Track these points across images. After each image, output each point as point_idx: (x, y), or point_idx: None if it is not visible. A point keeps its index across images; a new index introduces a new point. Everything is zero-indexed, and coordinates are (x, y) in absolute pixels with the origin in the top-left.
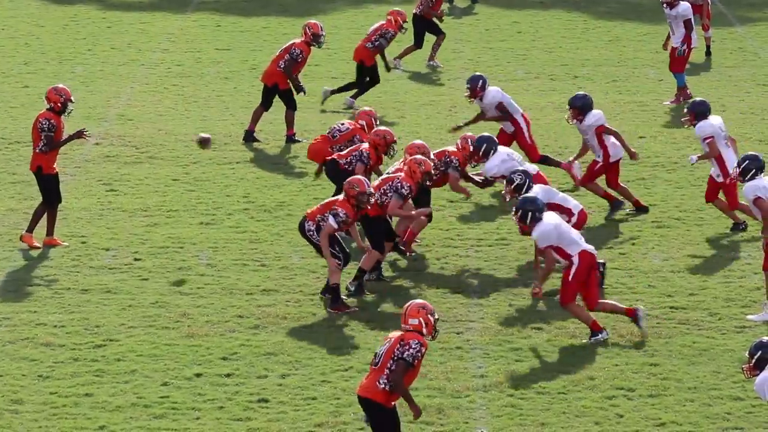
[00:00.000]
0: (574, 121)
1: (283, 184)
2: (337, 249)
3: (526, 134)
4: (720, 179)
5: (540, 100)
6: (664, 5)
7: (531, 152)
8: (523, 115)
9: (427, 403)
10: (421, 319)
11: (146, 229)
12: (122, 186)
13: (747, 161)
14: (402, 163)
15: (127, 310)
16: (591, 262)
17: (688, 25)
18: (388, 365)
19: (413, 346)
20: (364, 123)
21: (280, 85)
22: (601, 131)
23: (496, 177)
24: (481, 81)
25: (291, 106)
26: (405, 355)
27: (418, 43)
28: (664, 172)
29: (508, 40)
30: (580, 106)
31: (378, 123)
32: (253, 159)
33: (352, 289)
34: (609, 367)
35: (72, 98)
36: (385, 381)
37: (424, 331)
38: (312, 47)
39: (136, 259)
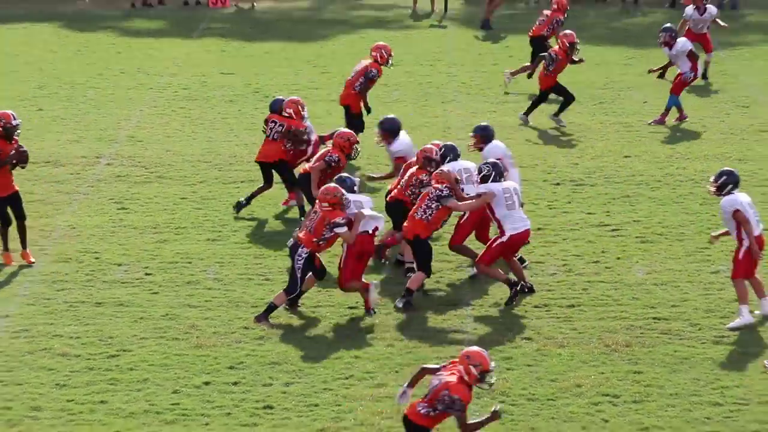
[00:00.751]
0: (384, 143)
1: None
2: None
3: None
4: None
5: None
6: (663, 45)
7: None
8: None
9: None
10: (462, 367)
11: (156, 246)
12: (133, 204)
13: (724, 177)
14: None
15: (138, 322)
16: (364, 246)
17: (691, 55)
18: (435, 405)
19: (448, 399)
20: (291, 111)
21: (352, 108)
22: (401, 161)
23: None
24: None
25: (358, 128)
26: (444, 406)
27: (536, 63)
28: (648, 190)
29: (500, 64)
30: (392, 129)
31: (305, 110)
32: (256, 178)
33: (400, 305)
34: (595, 375)
35: (12, 121)
36: (427, 408)
37: (466, 378)
38: (383, 67)
39: (146, 274)
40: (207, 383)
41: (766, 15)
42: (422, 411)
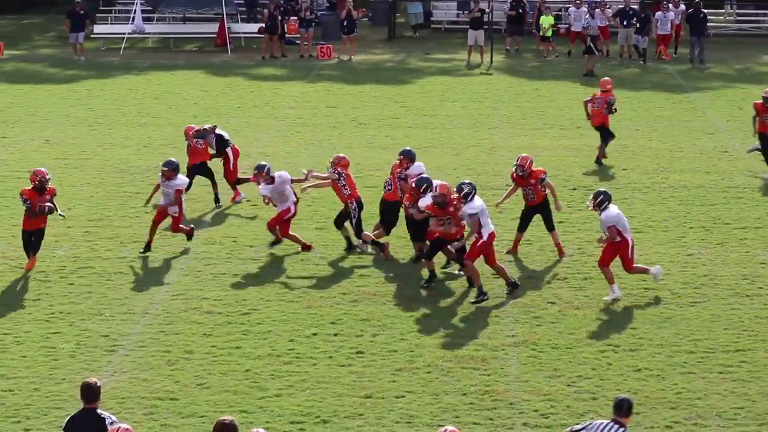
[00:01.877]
0: (164, 179)
1: (370, 202)
2: None
3: (231, 162)
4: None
5: (553, 143)
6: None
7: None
8: (233, 148)
9: (475, 354)
10: None
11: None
12: (261, 202)
13: (601, 196)
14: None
15: (265, 288)
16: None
17: None
18: None
19: None
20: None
21: (605, 126)
22: (180, 193)
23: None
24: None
25: (611, 137)
26: None
27: None
28: (640, 194)
29: (532, 101)
30: (174, 168)
31: (196, 131)
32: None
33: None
34: (602, 330)
35: (46, 176)
36: None
37: None
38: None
39: (271, 253)
40: (315, 334)
41: (725, 68)
42: None
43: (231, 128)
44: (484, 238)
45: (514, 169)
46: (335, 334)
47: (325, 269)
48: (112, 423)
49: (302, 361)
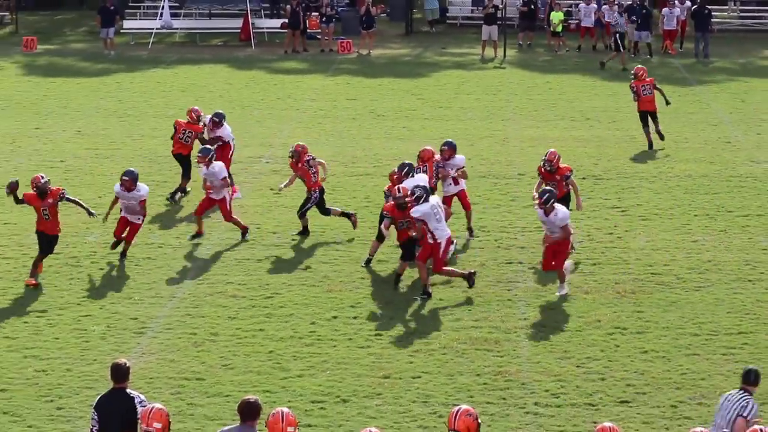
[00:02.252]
0: (124, 189)
1: None
2: None
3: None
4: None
5: (563, 134)
6: None
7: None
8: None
9: (488, 336)
10: None
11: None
12: (284, 190)
13: (547, 194)
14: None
15: (287, 273)
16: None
17: None
18: None
19: None
20: (188, 119)
21: (656, 110)
22: (144, 203)
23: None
24: (221, 117)
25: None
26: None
27: None
28: (647, 183)
29: (543, 94)
30: (135, 178)
31: (199, 117)
32: (370, 173)
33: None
34: (609, 314)
35: (41, 180)
36: None
37: None
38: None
39: (293, 239)
40: (335, 317)
41: (728, 63)
42: None
43: (255, 119)
44: (439, 241)
45: (542, 163)
46: (354, 317)
47: (345, 254)
48: (141, 402)
49: (323, 342)
